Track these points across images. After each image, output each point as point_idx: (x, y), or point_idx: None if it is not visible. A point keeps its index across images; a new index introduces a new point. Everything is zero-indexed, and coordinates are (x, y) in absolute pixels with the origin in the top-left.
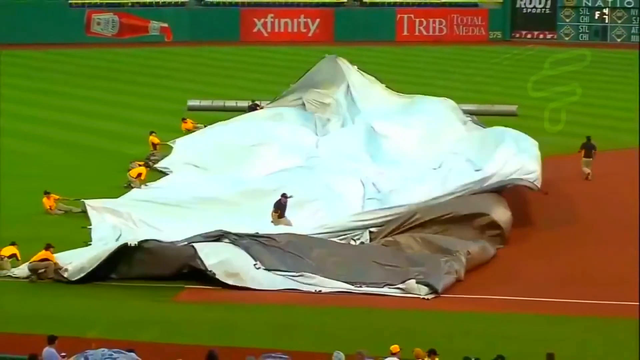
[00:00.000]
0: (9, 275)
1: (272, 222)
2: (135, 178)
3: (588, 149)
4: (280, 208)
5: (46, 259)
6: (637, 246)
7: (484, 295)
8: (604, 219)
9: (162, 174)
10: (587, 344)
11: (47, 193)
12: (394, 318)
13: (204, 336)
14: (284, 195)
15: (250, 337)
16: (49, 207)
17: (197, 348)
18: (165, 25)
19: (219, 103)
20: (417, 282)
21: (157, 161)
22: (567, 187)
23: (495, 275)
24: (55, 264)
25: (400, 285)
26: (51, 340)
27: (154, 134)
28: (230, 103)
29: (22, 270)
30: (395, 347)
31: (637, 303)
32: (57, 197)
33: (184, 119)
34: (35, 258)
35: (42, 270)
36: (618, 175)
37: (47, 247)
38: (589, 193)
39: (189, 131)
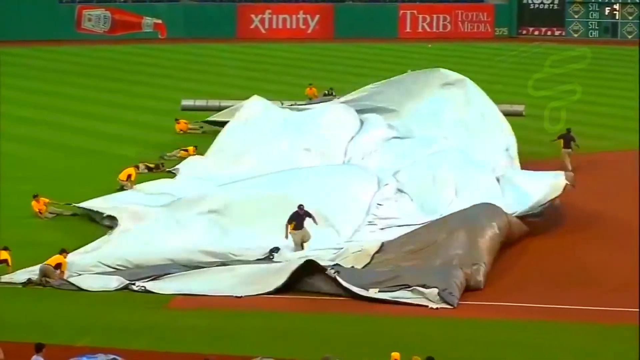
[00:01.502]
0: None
1: (288, 234)
2: (126, 180)
3: (567, 140)
4: (296, 219)
5: (60, 264)
6: (638, 250)
7: (486, 302)
8: (605, 222)
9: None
10: (588, 351)
11: (35, 196)
12: (394, 325)
13: (199, 344)
14: (300, 207)
15: (246, 345)
16: (38, 211)
17: (192, 356)
18: (159, 21)
19: (214, 103)
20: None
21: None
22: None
23: (497, 281)
24: (62, 272)
25: (424, 290)
26: (39, 348)
27: (187, 151)
28: (226, 103)
29: (12, 276)
30: (395, 355)
31: (638, 309)
32: (47, 200)
33: (177, 120)
34: (49, 262)
35: (54, 278)
36: (618, 178)
37: (62, 251)
38: (590, 195)
39: (183, 132)
